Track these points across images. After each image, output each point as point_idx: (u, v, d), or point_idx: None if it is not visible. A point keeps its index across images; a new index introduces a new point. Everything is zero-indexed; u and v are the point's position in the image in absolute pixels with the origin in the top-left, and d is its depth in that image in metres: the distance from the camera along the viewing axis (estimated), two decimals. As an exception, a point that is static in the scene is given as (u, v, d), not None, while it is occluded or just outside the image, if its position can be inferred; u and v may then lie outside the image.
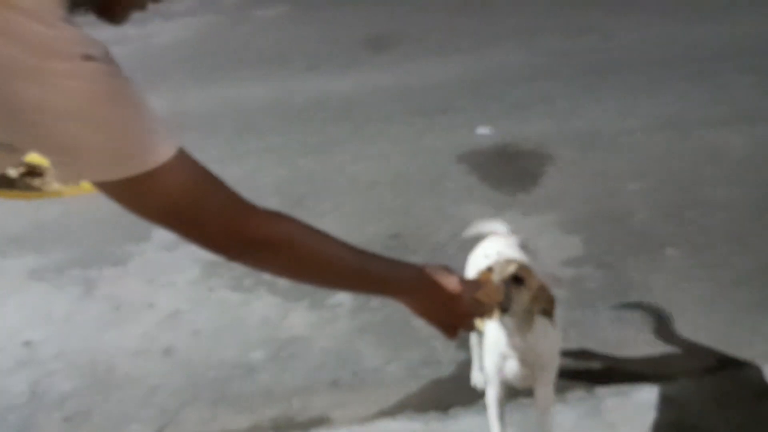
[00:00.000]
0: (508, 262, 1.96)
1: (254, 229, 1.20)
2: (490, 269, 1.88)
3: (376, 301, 3.45)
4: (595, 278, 3.47)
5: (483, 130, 4.83)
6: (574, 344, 3.10)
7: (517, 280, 1.91)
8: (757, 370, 2.89)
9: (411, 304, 1.48)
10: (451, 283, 1.45)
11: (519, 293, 1.91)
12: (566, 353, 3.03)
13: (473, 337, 2.92)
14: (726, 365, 2.94)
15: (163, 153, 1.05)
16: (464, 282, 1.50)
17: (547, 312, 2.04)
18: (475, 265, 2.45)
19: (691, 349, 3.04)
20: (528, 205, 4.05)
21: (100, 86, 0.96)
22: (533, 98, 5.22)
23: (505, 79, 5.54)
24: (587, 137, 4.67)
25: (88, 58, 0.95)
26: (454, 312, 1.48)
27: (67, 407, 3.03)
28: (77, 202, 4.40)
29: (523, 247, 2.66)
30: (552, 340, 2.22)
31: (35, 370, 3.21)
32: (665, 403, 2.76)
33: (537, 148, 4.59)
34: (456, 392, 2.94)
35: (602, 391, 2.86)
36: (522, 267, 1.95)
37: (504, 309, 1.84)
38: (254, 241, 1.20)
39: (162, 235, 4.01)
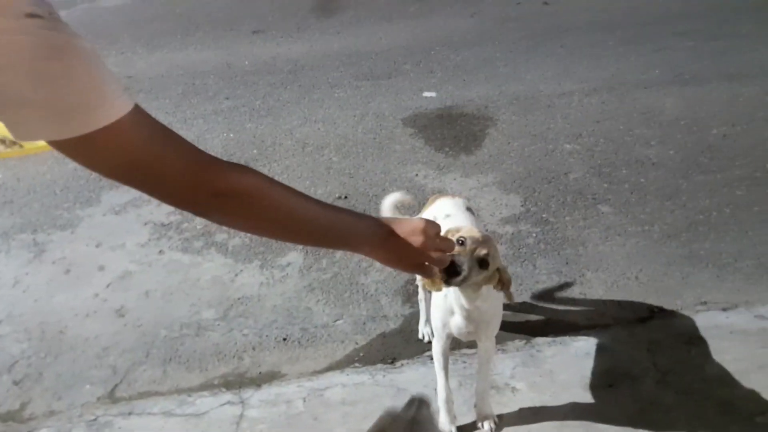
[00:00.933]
0: (481, 242, 2.01)
1: (219, 181, 1.17)
2: (461, 242, 1.96)
3: (325, 260, 3.55)
4: (533, 234, 3.63)
5: (429, 94, 4.93)
6: (515, 297, 3.26)
7: (482, 263, 2.00)
8: (686, 319, 3.08)
9: (373, 255, 1.47)
10: (411, 223, 1.46)
11: (479, 274, 2.02)
12: (507, 306, 3.20)
13: (420, 293, 3.05)
14: (656, 315, 3.13)
15: (117, 109, 1.03)
16: (429, 223, 1.49)
17: (504, 289, 2.13)
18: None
19: (623, 300, 3.22)
20: (470, 165, 4.18)
21: (43, 41, 0.96)
22: (476, 63, 5.33)
23: (449, 44, 5.61)
24: (526, 100, 4.81)
25: (32, 15, 0.95)
26: (412, 250, 1.46)
27: (17, 370, 3.06)
28: (24, 166, 4.35)
29: (469, 208, 2.79)
30: (495, 299, 2.34)
31: (-16, 335, 3.23)
32: (600, 350, 2.94)
33: (479, 111, 4.70)
34: (401, 346, 3.07)
35: (541, 341, 3.04)
36: (490, 249, 2.01)
37: (458, 283, 1.96)
38: (220, 192, 1.17)
39: (111, 198, 4.03)
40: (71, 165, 4.34)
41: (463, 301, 2.24)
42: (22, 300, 3.40)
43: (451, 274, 1.85)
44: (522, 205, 3.83)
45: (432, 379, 2.85)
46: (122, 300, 3.37)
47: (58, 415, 2.85)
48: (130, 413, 2.82)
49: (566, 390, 2.76)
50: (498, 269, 2.07)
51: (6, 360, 3.10)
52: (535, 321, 3.15)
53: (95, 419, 2.80)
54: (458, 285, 1.99)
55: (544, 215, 3.75)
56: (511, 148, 4.30)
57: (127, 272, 3.52)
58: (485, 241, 2.03)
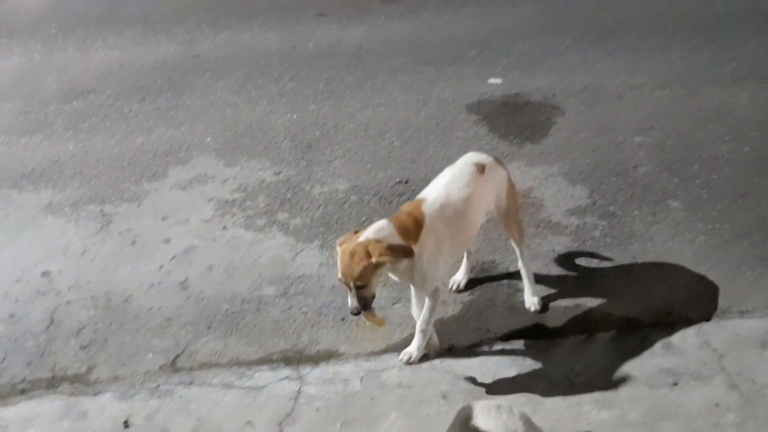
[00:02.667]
0: (348, 273, 2.51)
1: None
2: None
3: (384, 244, 3.54)
4: (599, 227, 3.55)
5: (494, 80, 4.86)
6: (575, 291, 3.21)
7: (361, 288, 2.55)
8: (757, 321, 2.97)
9: None
10: None
11: (370, 289, 2.58)
12: (568, 298, 3.15)
13: None
14: (725, 315, 3.02)
15: None
16: None
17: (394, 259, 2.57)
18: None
19: (690, 299, 3.12)
20: (535, 155, 4.11)
21: None
22: (543, 51, 5.22)
23: (515, 32, 5.51)
24: (595, 91, 4.69)
25: None
26: None
27: (84, 336, 3.16)
28: (93, 139, 4.46)
29: (478, 162, 2.94)
30: (412, 267, 2.68)
31: (53, 300, 3.33)
32: (665, 348, 2.86)
33: (545, 100, 4.61)
34: (459, 333, 3.05)
35: (604, 335, 2.96)
36: (358, 273, 2.50)
37: (358, 313, 2.63)
38: None
39: (177, 173, 4.11)
40: (139, 139, 4.45)
41: (397, 279, 2.86)
42: (90, 269, 3.49)
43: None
44: (588, 197, 3.75)
45: (490, 368, 2.84)
46: (186, 273, 3.43)
47: (121, 381, 2.93)
48: (190, 383, 2.87)
49: (627, 385, 2.70)
50: (380, 257, 2.49)
51: (73, 325, 3.20)
52: (598, 315, 3.09)
53: (157, 387, 2.87)
54: (363, 312, 2.62)
55: (611, 208, 3.66)
56: (578, 139, 4.21)
57: (191, 246, 3.59)
58: (348, 269, 2.51)
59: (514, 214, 3.08)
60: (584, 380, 2.73)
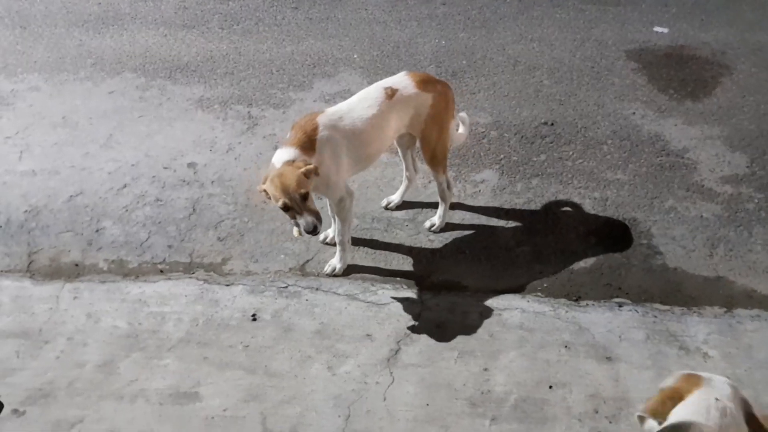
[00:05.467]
0: (287, 193, 2.55)
1: None
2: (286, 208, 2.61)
3: (520, 184, 3.46)
4: (755, 200, 3.30)
5: (660, 29, 4.53)
6: (718, 262, 3.03)
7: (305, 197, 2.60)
8: None
9: None
10: None
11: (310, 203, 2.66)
12: (704, 271, 2.98)
13: None
14: None
15: None
16: None
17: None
18: None
19: None
20: (695, 113, 3.83)
21: None
22: (718, 3, 4.79)
23: (690, -23, 5.09)
24: (772, 52, 4.29)
25: None
26: None
27: (222, 229, 3.31)
28: (245, 42, 4.56)
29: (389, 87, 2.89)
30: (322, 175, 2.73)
31: (197, 191, 3.49)
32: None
33: (714, 56, 4.26)
34: (588, 285, 2.97)
35: (743, 313, 2.81)
36: (293, 192, 2.56)
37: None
38: None
39: (323, 86, 4.14)
40: (289, 48, 4.51)
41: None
42: (233, 166, 3.62)
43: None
44: (748, 167, 3.48)
45: (617, 327, 2.76)
46: (322, 184, 3.49)
47: (253, 276, 3.06)
48: (317, 289, 2.97)
49: (764, 369, 2.56)
50: (305, 166, 2.60)
51: (213, 218, 3.36)
52: (739, 291, 2.91)
53: (286, 287, 2.99)
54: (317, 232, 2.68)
55: (771, 181, 3.40)
56: (745, 103, 3.88)
57: (330, 159, 3.64)
58: (285, 185, 2.56)
59: (432, 140, 3.00)
60: (718, 354, 2.60)
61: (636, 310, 2.81)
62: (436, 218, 3.25)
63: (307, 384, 2.55)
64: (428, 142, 3.01)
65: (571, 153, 3.63)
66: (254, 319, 2.83)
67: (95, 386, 2.56)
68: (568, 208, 3.34)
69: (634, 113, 3.83)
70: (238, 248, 3.21)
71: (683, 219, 3.22)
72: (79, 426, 2.39)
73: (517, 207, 3.35)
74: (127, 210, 3.40)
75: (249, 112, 3.98)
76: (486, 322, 2.80)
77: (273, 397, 2.50)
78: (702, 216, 3.24)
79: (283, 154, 2.68)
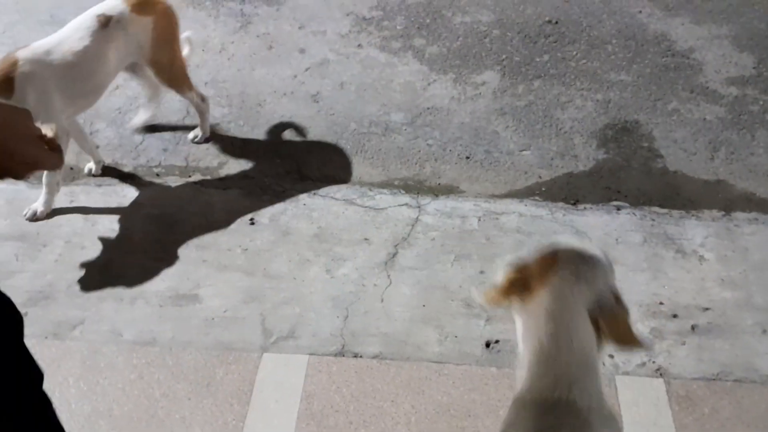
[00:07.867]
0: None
1: None
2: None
3: (521, 86, 3.39)
4: (759, 102, 3.24)
5: None
6: (719, 165, 3.01)
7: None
8: None
9: None
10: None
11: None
12: (697, 174, 2.96)
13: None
14: None
15: None
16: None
17: None
18: None
19: None
20: (703, 12, 3.70)
21: None
22: None
23: None
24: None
25: None
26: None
27: (217, 131, 3.24)
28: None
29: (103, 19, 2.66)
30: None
31: (190, 93, 3.41)
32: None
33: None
34: (587, 189, 2.95)
35: (741, 216, 2.81)
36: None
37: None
38: None
39: (319, -19, 3.97)
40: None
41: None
42: (227, 67, 3.53)
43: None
44: (754, 67, 3.39)
45: (614, 230, 2.76)
46: (318, 86, 3.42)
47: (249, 180, 3.04)
48: (314, 193, 2.95)
49: (759, 271, 2.58)
50: None
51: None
52: (739, 194, 2.90)
53: (283, 191, 2.97)
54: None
55: (777, 82, 3.32)
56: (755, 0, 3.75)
57: (326, 60, 3.54)
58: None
59: (165, 64, 2.86)
60: (714, 257, 2.62)
61: (634, 213, 2.81)
62: (198, 129, 3.16)
63: (306, 286, 2.57)
64: (161, 68, 2.86)
65: (574, 53, 3.53)
66: (252, 223, 2.82)
67: (94, 288, 2.58)
68: (570, 111, 3.28)
69: (640, 11, 3.70)
70: (233, 151, 3.17)
71: (686, 121, 3.16)
72: (80, 327, 2.42)
73: (519, 110, 3.29)
74: (120, 112, 3.33)
75: (242, 9, 3.83)
76: (483, 226, 2.80)
77: (272, 298, 2.53)
78: (705, 118, 3.18)
79: None
